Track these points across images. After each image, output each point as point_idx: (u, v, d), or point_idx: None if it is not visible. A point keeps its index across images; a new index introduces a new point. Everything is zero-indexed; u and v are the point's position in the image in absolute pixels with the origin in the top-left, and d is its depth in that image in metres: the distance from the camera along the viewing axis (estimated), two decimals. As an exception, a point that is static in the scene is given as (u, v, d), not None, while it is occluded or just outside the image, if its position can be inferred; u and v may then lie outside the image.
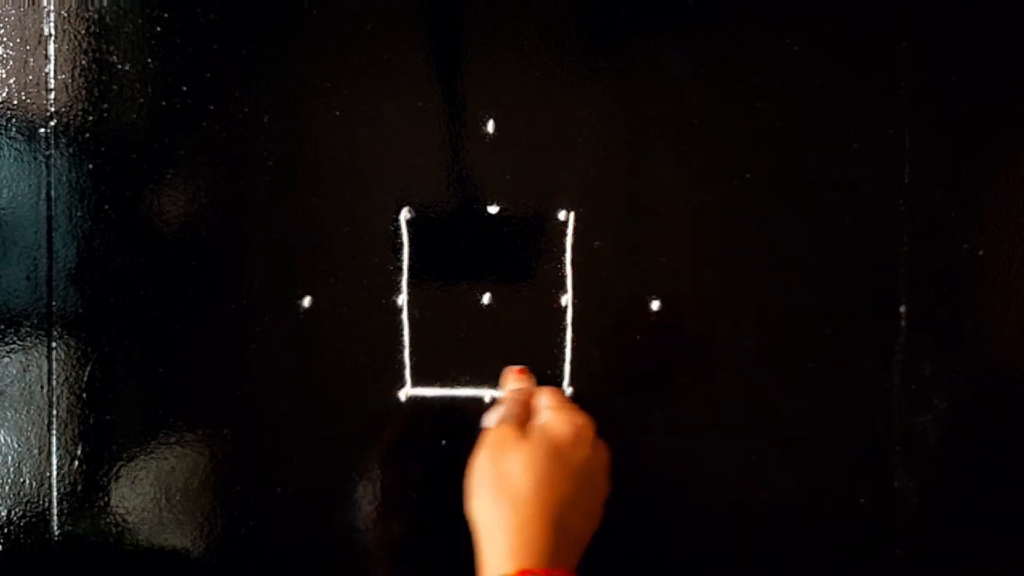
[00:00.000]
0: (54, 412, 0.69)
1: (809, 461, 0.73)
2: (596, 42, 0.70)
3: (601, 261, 0.71)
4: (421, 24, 0.69)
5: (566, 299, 0.71)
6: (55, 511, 0.69)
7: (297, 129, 0.69)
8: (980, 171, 0.73)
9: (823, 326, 0.72)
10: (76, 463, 0.69)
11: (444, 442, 0.71)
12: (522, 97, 0.70)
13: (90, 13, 0.68)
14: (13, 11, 0.67)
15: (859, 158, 0.72)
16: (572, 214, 0.71)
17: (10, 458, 0.69)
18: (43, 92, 0.68)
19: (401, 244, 0.70)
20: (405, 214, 0.70)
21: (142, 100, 0.68)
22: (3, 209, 0.68)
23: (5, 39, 0.68)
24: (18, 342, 0.68)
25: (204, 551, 0.70)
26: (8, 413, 0.69)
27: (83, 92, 0.68)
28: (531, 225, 0.70)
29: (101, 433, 0.69)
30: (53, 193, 0.68)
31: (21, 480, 0.69)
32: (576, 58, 0.70)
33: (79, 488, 0.69)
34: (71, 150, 0.68)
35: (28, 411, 0.69)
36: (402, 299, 0.70)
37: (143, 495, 0.70)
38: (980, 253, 0.72)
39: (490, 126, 0.70)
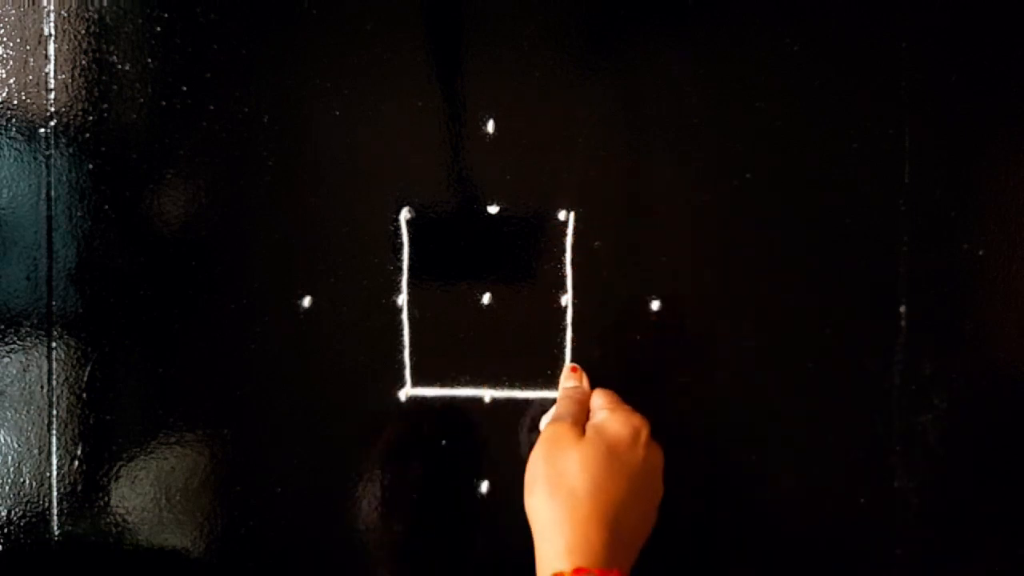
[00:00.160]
0: (54, 412, 0.69)
1: (809, 461, 0.73)
2: (596, 42, 0.70)
3: (601, 261, 0.71)
4: (421, 24, 0.69)
5: (566, 299, 0.71)
6: (55, 511, 0.69)
7: (297, 129, 0.69)
8: (980, 171, 0.73)
9: (823, 326, 0.72)
10: (76, 463, 0.69)
11: (444, 442, 0.71)
12: (522, 97, 0.70)
13: (90, 13, 0.68)
14: (13, 11, 0.67)
15: (859, 158, 0.72)
16: (572, 214, 0.71)
17: (10, 458, 0.69)
18: (43, 92, 0.68)
19: (401, 244, 0.70)
20: (405, 214, 0.70)
21: (142, 100, 0.68)
22: (3, 209, 0.68)
23: (5, 39, 0.68)
24: (18, 342, 0.68)
25: (204, 551, 0.70)
26: (8, 413, 0.69)
27: (83, 92, 0.68)
28: (531, 225, 0.70)
29: (101, 433, 0.69)
30: (53, 193, 0.68)
31: (21, 480, 0.69)
32: (576, 58, 0.70)
33: (79, 488, 0.69)
34: (71, 150, 0.68)
35: (28, 411, 0.69)
36: (402, 299, 0.70)
37: (143, 495, 0.70)
38: (980, 253, 0.72)
39: (490, 126, 0.70)
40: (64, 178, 0.68)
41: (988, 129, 0.72)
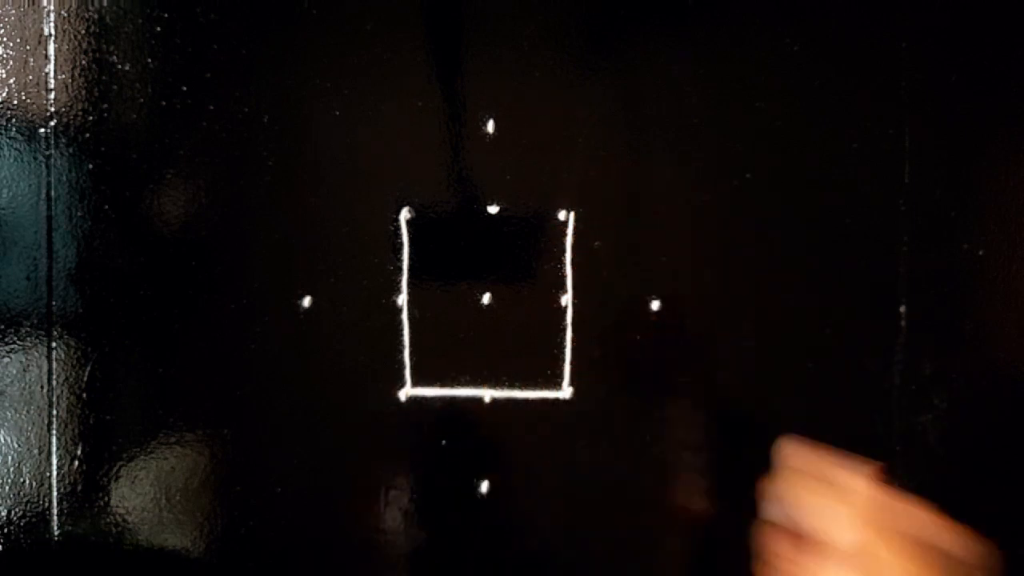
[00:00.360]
0: (54, 412, 0.69)
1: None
2: (596, 42, 0.70)
3: (601, 261, 0.71)
4: (421, 24, 0.69)
5: (566, 299, 0.71)
6: (55, 511, 0.69)
7: (297, 129, 0.69)
8: (980, 171, 0.73)
9: (823, 326, 0.72)
10: (76, 463, 0.69)
11: (444, 442, 0.71)
12: (522, 97, 0.70)
13: (90, 13, 0.67)
14: (13, 11, 0.67)
15: (859, 158, 0.72)
16: (572, 214, 0.71)
17: (10, 458, 0.69)
18: (43, 92, 0.68)
19: (401, 244, 0.70)
20: (405, 214, 0.70)
21: (142, 100, 0.68)
22: (3, 209, 0.68)
23: (5, 39, 0.68)
24: (18, 342, 0.68)
25: (204, 551, 0.70)
26: (8, 413, 0.69)
27: (83, 92, 0.68)
28: (531, 225, 0.70)
29: (101, 433, 0.69)
30: (53, 193, 0.68)
31: (21, 480, 0.69)
32: (576, 58, 0.70)
33: (79, 488, 0.69)
34: (71, 150, 0.68)
35: (28, 411, 0.69)
36: (402, 299, 0.70)
37: (143, 495, 0.70)
38: (980, 253, 0.72)
39: (490, 126, 0.70)
40: (64, 178, 0.68)
41: (988, 129, 0.72)
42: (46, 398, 0.69)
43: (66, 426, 0.69)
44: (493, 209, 0.71)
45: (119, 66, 0.68)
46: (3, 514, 0.69)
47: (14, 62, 0.68)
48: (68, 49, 0.68)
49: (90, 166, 0.68)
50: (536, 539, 0.72)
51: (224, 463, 0.70)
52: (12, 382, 0.69)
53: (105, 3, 0.68)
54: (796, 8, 0.71)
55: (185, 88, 0.68)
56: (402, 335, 0.70)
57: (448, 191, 0.70)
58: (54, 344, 0.69)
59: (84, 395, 0.69)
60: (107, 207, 0.68)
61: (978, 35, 0.72)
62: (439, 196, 0.70)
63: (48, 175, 0.68)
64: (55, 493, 0.69)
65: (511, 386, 0.71)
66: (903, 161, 0.72)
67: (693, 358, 0.72)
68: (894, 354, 0.72)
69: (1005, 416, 0.73)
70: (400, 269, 0.70)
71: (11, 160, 0.68)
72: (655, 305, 0.71)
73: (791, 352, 0.72)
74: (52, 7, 0.67)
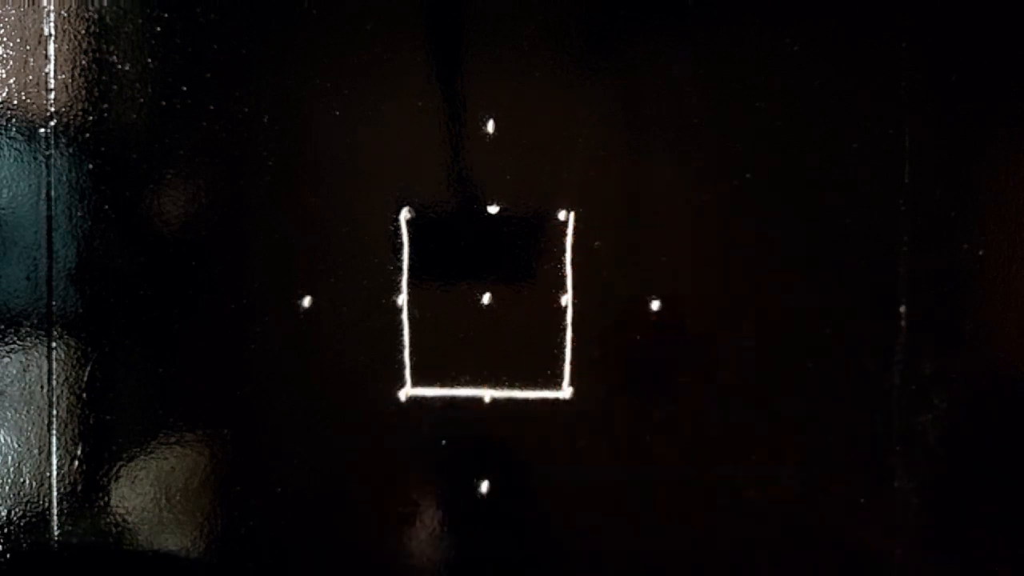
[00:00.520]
0: (54, 412, 0.69)
1: (809, 461, 0.73)
2: (596, 42, 0.70)
3: (601, 261, 0.71)
4: (421, 24, 0.69)
5: (566, 299, 0.71)
6: (55, 511, 0.69)
7: (297, 129, 0.69)
8: (980, 171, 0.73)
9: (823, 326, 0.72)
10: (76, 463, 0.69)
11: (444, 442, 0.71)
12: (522, 97, 0.70)
13: (90, 13, 0.67)
14: (13, 11, 0.67)
15: (859, 158, 0.72)
16: (572, 214, 0.71)
17: (10, 458, 0.69)
18: (43, 92, 0.68)
19: (401, 244, 0.70)
20: (405, 214, 0.70)
21: (142, 100, 0.68)
22: (3, 209, 0.68)
23: (5, 39, 0.68)
24: (18, 342, 0.68)
25: (204, 551, 0.70)
26: (8, 413, 0.69)
27: (83, 92, 0.68)
28: (531, 225, 0.70)
29: (101, 433, 0.69)
30: (53, 193, 0.68)
31: (21, 480, 0.69)
32: (576, 58, 0.70)
33: (79, 488, 0.69)
34: (71, 150, 0.68)
35: (28, 411, 0.69)
36: (402, 299, 0.70)
37: (143, 495, 0.70)
38: (980, 253, 0.72)
39: (490, 126, 0.70)
40: (64, 178, 0.68)
41: (988, 129, 0.72)
42: (46, 398, 0.69)
43: (66, 426, 0.69)
44: (493, 209, 0.71)
45: (119, 66, 0.68)
46: (3, 514, 0.69)
47: (14, 62, 0.68)
48: (68, 49, 0.68)
49: (90, 166, 0.68)
50: (536, 538, 0.72)
51: (224, 463, 0.70)
52: (12, 382, 0.69)
53: (105, 3, 0.68)
54: (796, 8, 0.71)
55: (185, 88, 0.68)
56: (402, 335, 0.70)
57: (448, 191, 0.70)
58: (54, 344, 0.69)
59: (84, 395, 0.69)
60: (107, 207, 0.68)
61: (978, 35, 0.72)
62: (439, 196, 0.70)
63: (48, 175, 0.68)
64: (55, 493, 0.69)
65: (511, 386, 0.71)
66: (903, 161, 0.72)
67: (693, 358, 0.72)
68: (894, 354, 0.72)
69: (1005, 416, 0.73)
70: (400, 269, 0.70)
71: (11, 160, 0.68)
72: (655, 305, 0.71)
73: (791, 352, 0.72)
74: (52, 7, 0.67)
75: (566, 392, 0.71)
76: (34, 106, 0.68)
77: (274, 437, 0.71)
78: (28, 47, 0.68)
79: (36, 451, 0.69)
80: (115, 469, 0.70)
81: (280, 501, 0.71)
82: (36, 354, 0.69)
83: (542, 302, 0.71)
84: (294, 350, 0.70)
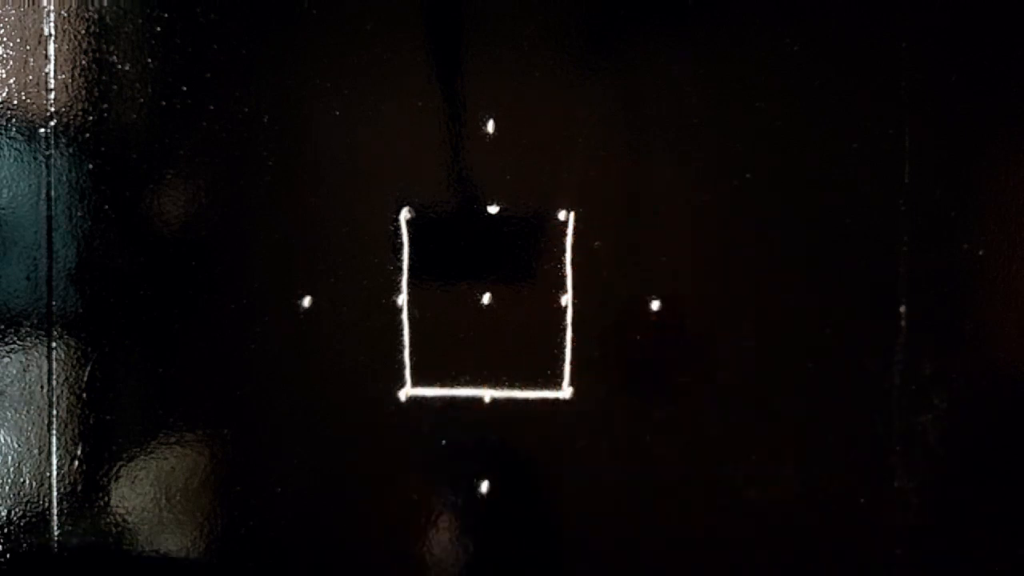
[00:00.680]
0: (54, 412, 0.69)
1: (809, 461, 0.73)
2: (596, 42, 0.70)
3: (601, 261, 0.71)
4: (421, 24, 0.69)
5: (566, 299, 0.71)
6: (55, 511, 0.69)
7: (297, 129, 0.69)
8: (980, 171, 0.73)
9: (823, 326, 0.72)
10: (76, 463, 0.69)
11: (444, 442, 0.71)
12: (522, 97, 0.70)
13: (90, 13, 0.67)
14: (13, 11, 0.67)
15: (859, 158, 0.72)
16: (572, 214, 0.71)
17: (10, 458, 0.69)
18: (43, 92, 0.68)
19: (401, 244, 0.70)
20: (405, 214, 0.70)
21: (142, 100, 0.68)
22: (3, 209, 0.68)
23: (5, 39, 0.68)
24: (18, 342, 0.68)
25: (204, 551, 0.70)
26: (8, 413, 0.69)
27: (83, 92, 0.68)
28: (531, 225, 0.70)
29: (101, 433, 0.69)
30: (53, 193, 0.68)
31: (21, 480, 0.69)
32: (576, 58, 0.70)
33: (79, 488, 0.69)
34: (71, 150, 0.68)
35: (28, 411, 0.69)
36: (402, 299, 0.70)
37: (143, 495, 0.70)
38: (980, 253, 0.72)
39: (490, 126, 0.70)
40: (64, 178, 0.68)
41: (988, 129, 0.72)
42: (46, 398, 0.69)
43: (66, 426, 0.69)
44: (493, 209, 0.71)
45: (119, 66, 0.68)
46: (3, 514, 0.69)
47: (14, 62, 0.68)
48: (68, 49, 0.68)
49: (90, 166, 0.68)
50: (536, 538, 0.72)
51: (224, 463, 0.70)
52: (12, 382, 0.69)
53: (105, 3, 0.68)
54: (796, 8, 0.71)
55: (185, 88, 0.68)
56: (402, 335, 0.70)
57: (448, 191, 0.70)
58: (54, 344, 0.69)
59: (84, 395, 0.69)
60: (107, 207, 0.68)
61: (978, 35, 0.72)
62: (439, 196, 0.70)
63: (48, 175, 0.68)
64: (55, 493, 0.69)
65: (511, 386, 0.71)
66: (903, 161, 0.72)
67: (693, 358, 0.72)
68: (894, 354, 0.72)
69: (1005, 416, 0.73)
70: (400, 269, 0.70)
71: (11, 160, 0.68)
72: (655, 305, 0.71)
73: (791, 352, 0.72)
74: (52, 7, 0.67)
75: (566, 392, 0.71)
76: (34, 106, 0.68)
77: (274, 437, 0.71)
78: (28, 47, 0.68)
79: (36, 451, 0.69)
80: (115, 469, 0.70)
81: (280, 501, 0.71)
82: (36, 354, 0.69)
83: (542, 302, 0.71)
84: (294, 350, 0.70)
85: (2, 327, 0.68)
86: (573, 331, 0.71)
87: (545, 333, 0.71)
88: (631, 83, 0.71)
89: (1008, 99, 0.72)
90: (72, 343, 0.69)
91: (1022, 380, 0.73)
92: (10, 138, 0.68)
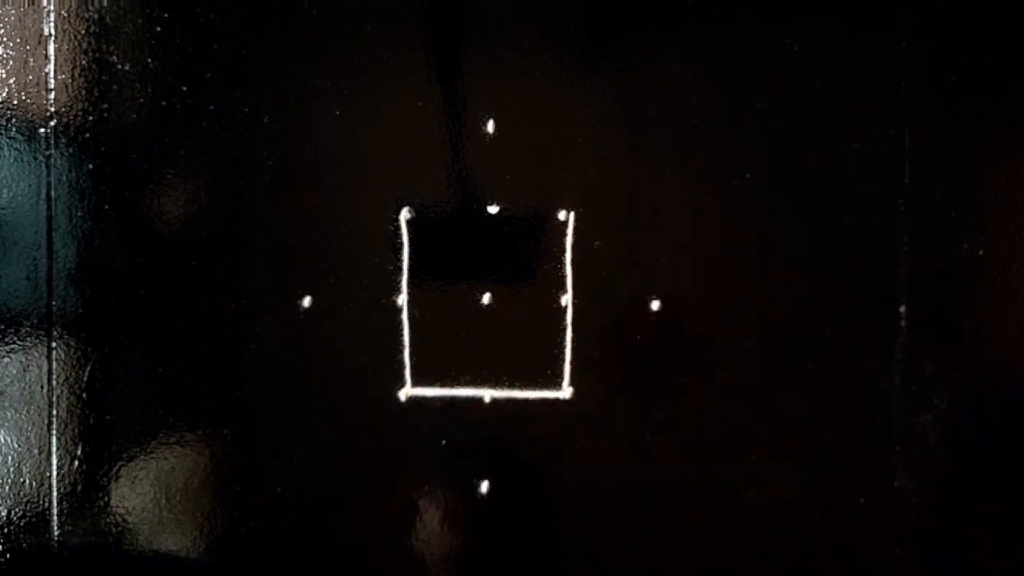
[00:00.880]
0: (54, 412, 0.69)
1: (809, 461, 0.73)
2: (596, 42, 0.70)
3: (601, 261, 0.71)
4: (421, 24, 0.69)
5: (566, 299, 0.71)
6: (55, 511, 0.69)
7: (297, 129, 0.69)
8: (980, 171, 0.73)
9: (823, 326, 0.72)
10: (76, 463, 0.69)
11: (444, 442, 0.71)
12: (522, 97, 0.70)
13: (90, 13, 0.67)
14: (13, 11, 0.67)
15: (859, 158, 0.72)
16: (572, 214, 0.71)
17: (10, 458, 0.69)
18: (43, 92, 0.68)
19: (401, 244, 0.70)
20: (405, 214, 0.70)
21: (142, 100, 0.68)
22: (3, 209, 0.68)
23: (5, 39, 0.68)
24: (18, 342, 0.68)
25: (204, 551, 0.70)
26: (8, 413, 0.69)
27: (83, 92, 0.68)
28: (531, 225, 0.70)
29: (101, 433, 0.69)
30: (53, 193, 0.68)
31: (21, 480, 0.69)
32: (576, 58, 0.70)
33: (79, 488, 0.69)
34: (71, 150, 0.68)
35: (28, 411, 0.69)
36: (402, 299, 0.70)
37: (143, 495, 0.70)
38: (980, 253, 0.72)
39: (490, 126, 0.70)
40: (64, 178, 0.68)
41: (988, 129, 0.72)
42: (46, 398, 0.69)
43: (66, 426, 0.69)
44: (493, 209, 0.71)
45: (119, 66, 0.68)
46: (3, 514, 0.69)
47: (14, 62, 0.68)
48: (68, 49, 0.68)
49: (90, 166, 0.68)
50: (536, 538, 0.72)
51: (224, 463, 0.70)
52: (12, 382, 0.69)
53: (105, 3, 0.68)
54: (796, 8, 0.71)
55: (185, 88, 0.68)
56: (402, 335, 0.70)
57: (448, 191, 0.70)
58: (54, 344, 0.69)
59: (84, 395, 0.69)
60: (107, 207, 0.68)
61: (978, 35, 0.72)
62: (439, 196, 0.70)
63: (48, 175, 0.68)
64: (55, 493, 0.69)
65: (511, 386, 0.71)
66: (903, 161, 0.72)
67: (693, 358, 0.72)
68: (894, 354, 0.72)
69: (1005, 416, 0.73)
70: (400, 269, 0.70)
71: (11, 160, 0.68)
72: (655, 305, 0.71)
73: (791, 352, 0.72)
74: (52, 7, 0.67)
75: (566, 392, 0.71)
76: (34, 106, 0.68)
77: (274, 437, 0.71)
78: (28, 47, 0.68)
79: (36, 451, 0.69)
80: (115, 469, 0.70)
81: (280, 501, 0.71)
82: (36, 354, 0.69)
83: (542, 302, 0.71)
84: (294, 350, 0.70)
85: (2, 327, 0.68)
86: (573, 331, 0.71)
87: (545, 333, 0.71)
88: (631, 83, 0.71)
89: (1008, 99, 0.72)
90: (72, 343, 0.69)
91: (1022, 380, 0.73)
92: (10, 138, 0.68)
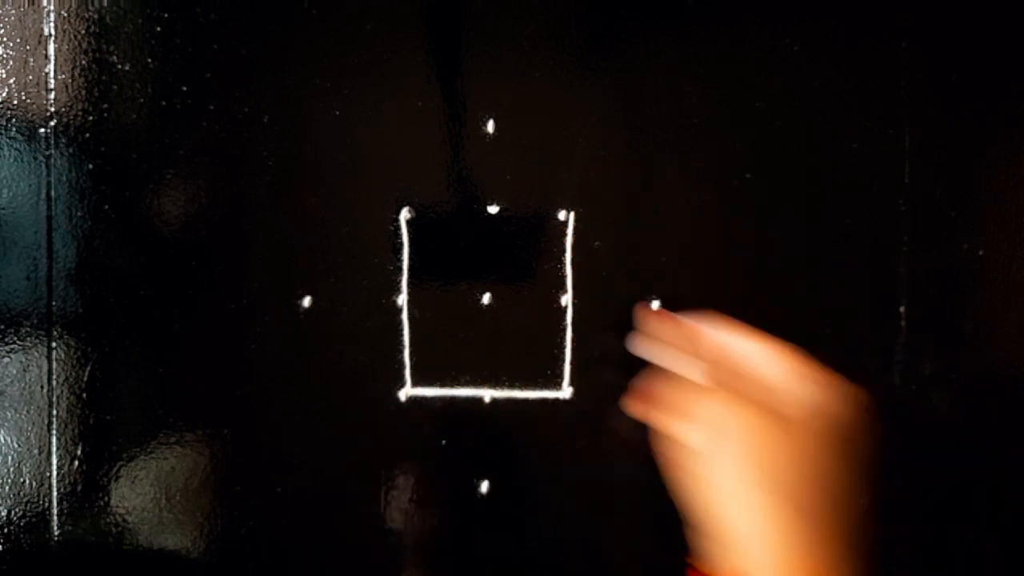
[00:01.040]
0: (54, 412, 0.69)
1: (809, 461, 0.73)
2: (596, 42, 0.70)
3: (601, 261, 0.71)
4: (421, 24, 0.69)
5: (566, 299, 0.71)
6: (55, 511, 0.69)
7: (297, 129, 0.69)
8: (980, 171, 0.73)
9: (823, 326, 0.72)
10: (76, 463, 0.69)
11: (444, 442, 0.71)
12: (522, 97, 0.70)
13: (90, 13, 0.67)
14: (13, 11, 0.67)
15: (859, 158, 0.72)
16: (572, 214, 0.71)
17: (10, 458, 0.69)
18: (43, 92, 0.68)
19: (401, 244, 0.70)
20: (405, 214, 0.70)
21: (142, 100, 0.68)
22: (3, 209, 0.68)
23: (5, 39, 0.68)
24: (18, 342, 0.68)
25: (204, 551, 0.70)
26: (8, 413, 0.69)
27: (83, 92, 0.68)
28: (531, 225, 0.70)
29: (101, 433, 0.69)
30: (53, 193, 0.68)
31: (21, 480, 0.69)
32: (576, 58, 0.70)
33: (79, 488, 0.69)
34: (71, 150, 0.68)
35: (28, 411, 0.69)
36: (402, 299, 0.70)
37: (143, 495, 0.70)
38: (980, 253, 0.72)
39: (490, 126, 0.70)
40: (64, 178, 0.68)
41: (988, 129, 0.72)
42: (46, 398, 0.69)
43: (66, 426, 0.69)
44: (493, 209, 0.71)
45: (119, 66, 0.68)
46: (3, 514, 0.69)
47: (14, 62, 0.68)
48: (68, 49, 0.68)
49: (90, 166, 0.68)
50: (536, 539, 0.72)
51: (224, 463, 0.70)
52: (12, 382, 0.69)
53: (105, 3, 0.68)
54: (796, 8, 0.71)
55: (185, 88, 0.68)
56: (402, 335, 0.70)
57: (448, 191, 0.70)
58: (54, 344, 0.69)
59: (84, 395, 0.69)
60: (107, 207, 0.68)
61: (978, 35, 0.72)
62: (439, 196, 0.70)
63: (48, 175, 0.68)
64: (55, 493, 0.69)
65: (511, 386, 0.71)
66: (903, 161, 0.72)
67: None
68: (894, 354, 0.72)
69: (1005, 416, 0.73)
70: (400, 269, 0.70)
71: (11, 160, 0.68)
72: (655, 305, 0.71)
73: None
74: (52, 7, 0.67)
75: (566, 392, 0.71)
76: (34, 106, 0.68)
77: (274, 437, 0.71)
78: (28, 47, 0.68)
79: (36, 451, 0.69)
80: (115, 469, 0.70)
81: (280, 501, 0.71)
82: (36, 354, 0.69)
83: (542, 302, 0.71)
84: (294, 350, 0.70)
85: (2, 327, 0.68)
86: (573, 331, 0.71)
87: (545, 333, 0.71)
88: (631, 83, 0.71)
89: (1008, 99, 0.72)
90: (72, 343, 0.69)
91: (1022, 380, 0.73)
92: (10, 138, 0.68)
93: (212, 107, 0.69)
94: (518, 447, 0.72)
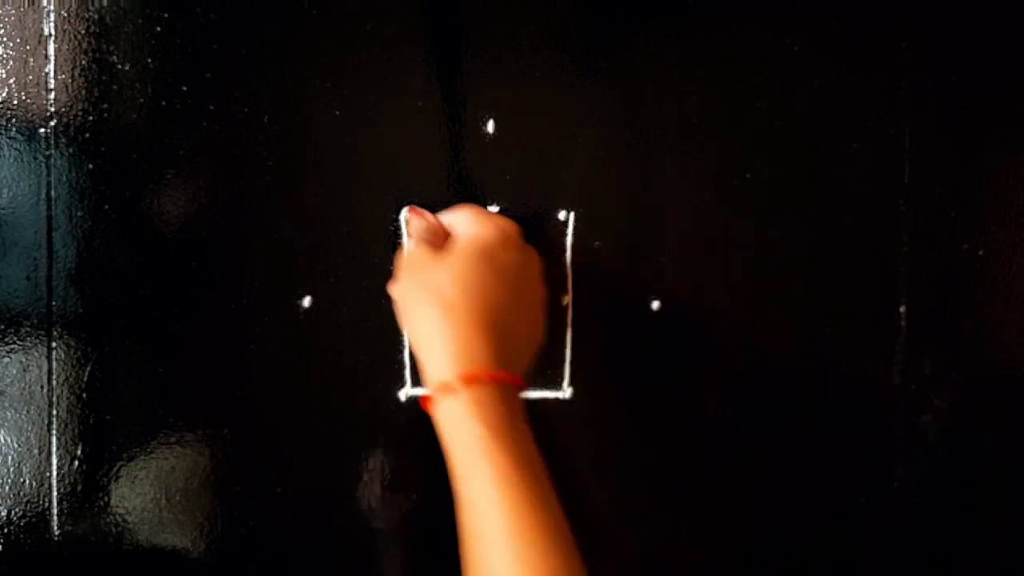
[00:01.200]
0: (54, 412, 0.69)
1: (809, 461, 0.73)
2: (596, 42, 0.70)
3: (601, 261, 0.71)
4: (421, 24, 0.69)
5: (566, 299, 0.71)
6: (55, 511, 0.69)
7: (297, 129, 0.69)
8: (980, 171, 0.73)
9: (823, 326, 0.72)
10: (76, 463, 0.69)
11: (444, 442, 0.71)
12: (522, 97, 0.70)
13: (90, 13, 0.67)
14: (13, 11, 0.67)
15: (859, 158, 0.72)
16: (572, 214, 0.71)
17: (10, 458, 0.69)
18: (43, 92, 0.68)
19: (401, 244, 0.70)
20: (405, 214, 0.70)
21: (142, 100, 0.68)
22: (3, 209, 0.68)
23: (5, 39, 0.68)
24: (18, 342, 0.68)
25: (204, 551, 0.70)
26: (8, 413, 0.69)
27: (83, 92, 0.68)
28: (531, 225, 0.70)
29: (101, 433, 0.69)
30: (53, 193, 0.68)
31: (21, 480, 0.69)
32: (576, 58, 0.70)
33: (79, 488, 0.69)
34: (71, 150, 0.68)
35: (28, 411, 0.69)
36: (402, 299, 0.70)
37: (143, 495, 0.70)
38: (980, 253, 0.72)
39: (490, 126, 0.70)
40: (64, 178, 0.68)
41: (988, 129, 0.72)
42: (46, 398, 0.69)
43: (66, 426, 0.69)
44: (493, 209, 0.71)
45: (119, 66, 0.68)
46: (3, 514, 0.69)
47: (14, 62, 0.68)
48: (68, 49, 0.68)
49: (90, 166, 0.68)
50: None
51: (224, 463, 0.70)
52: (12, 382, 0.69)
53: (105, 3, 0.68)
54: (796, 8, 0.71)
55: (185, 88, 0.68)
56: (402, 335, 0.70)
57: (448, 191, 0.70)
58: (54, 344, 0.69)
59: (84, 395, 0.69)
60: (107, 207, 0.68)
61: (978, 35, 0.72)
62: (439, 196, 0.70)
63: (48, 175, 0.68)
64: (55, 493, 0.69)
65: (511, 386, 0.71)
66: (903, 161, 0.72)
67: (693, 358, 0.72)
68: (894, 354, 0.72)
69: (1005, 416, 0.73)
70: (400, 269, 0.70)
71: (11, 160, 0.68)
72: (655, 305, 0.71)
73: (791, 352, 0.72)
74: (52, 7, 0.67)
75: (566, 392, 0.71)
76: (34, 106, 0.68)
77: (274, 437, 0.71)
78: (28, 47, 0.68)
79: (36, 451, 0.69)
80: (115, 469, 0.70)
81: (280, 501, 0.71)
82: (36, 354, 0.69)
83: (542, 302, 0.71)
84: (294, 350, 0.70)
85: (2, 327, 0.68)
86: (573, 331, 0.71)
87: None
88: (631, 83, 0.71)
89: (1008, 99, 0.72)
90: (72, 343, 0.69)
91: (1022, 380, 0.73)
92: (10, 138, 0.68)
93: (212, 107, 0.69)
94: (518, 447, 0.71)
